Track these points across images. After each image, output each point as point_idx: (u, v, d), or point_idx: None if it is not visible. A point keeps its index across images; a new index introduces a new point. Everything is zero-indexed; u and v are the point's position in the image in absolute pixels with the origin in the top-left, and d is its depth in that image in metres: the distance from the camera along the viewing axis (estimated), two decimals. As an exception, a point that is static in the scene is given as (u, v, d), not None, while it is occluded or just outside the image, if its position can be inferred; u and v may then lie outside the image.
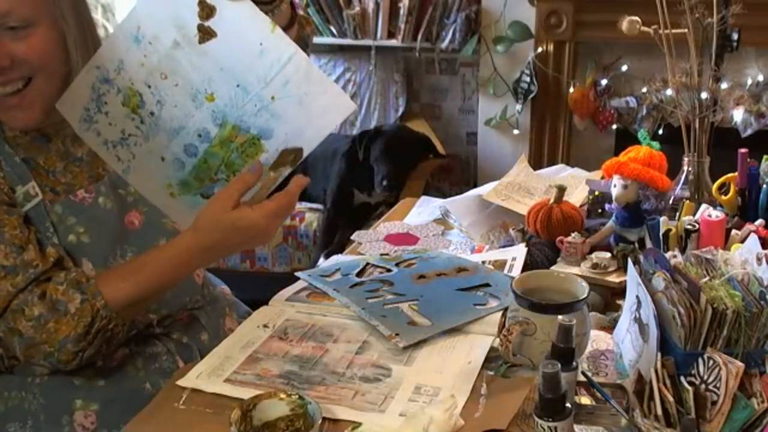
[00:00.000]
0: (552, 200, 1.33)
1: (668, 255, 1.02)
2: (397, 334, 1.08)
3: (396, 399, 0.95)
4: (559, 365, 0.77)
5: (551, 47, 3.25)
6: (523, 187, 1.61)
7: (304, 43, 1.27)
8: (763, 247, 0.97)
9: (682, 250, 1.15)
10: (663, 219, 1.21)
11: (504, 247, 1.41)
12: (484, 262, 1.32)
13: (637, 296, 0.97)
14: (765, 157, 1.35)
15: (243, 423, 0.86)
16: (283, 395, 0.90)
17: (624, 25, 1.42)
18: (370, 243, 1.52)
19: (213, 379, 1.00)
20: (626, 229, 1.26)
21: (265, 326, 1.14)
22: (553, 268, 1.25)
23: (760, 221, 1.22)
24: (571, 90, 3.28)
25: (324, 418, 0.88)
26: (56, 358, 1.03)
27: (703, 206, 1.24)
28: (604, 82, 3.24)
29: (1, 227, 1.04)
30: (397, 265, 1.33)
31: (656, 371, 0.86)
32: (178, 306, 1.24)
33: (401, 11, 3.33)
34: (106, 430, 1.11)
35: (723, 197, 1.32)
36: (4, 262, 1.02)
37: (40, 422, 1.10)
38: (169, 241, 1.08)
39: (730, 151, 1.35)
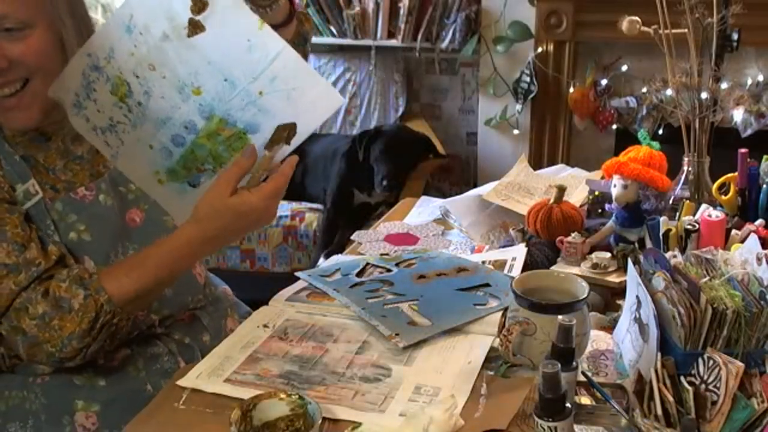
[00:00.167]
0: (552, 200, 1.33)
1: (668, 255, 1.02)
2: (397, 334, 1.08)
3: (396, 399, 0.95)
4: (559, 365, 0.77)
5: (551, 47, 3.25)
6: (523, 187, 1.61)
7: (303, 39, 1.27)
8: (763, 247, 0.97)
9: (682, 250, 1.15)
10: (663, 219, 1.21)
11: (504, 247, 1.41)
12: (484, 262, 1.32)
13: (637, 296, 0.97)
14: (765, 157, 1.35)
15: (243, 423, 0.86)
16: (283, 395, 0.90)
17: (624, 25, 1.42)
18: (370, 243, 1.52)
19: (213, 379, 1.00)
20: (626, 229, 1.26)
21: (265, 326, 1.14)
22: (553, 268, 1.25)
23: (760, 221, 1.22)
24: (571, 90, 3.28)
25: (324, 418, 0.88)
26: (60, 355, 1.03)
27: (703, 206, 1.24)
28: (604, 82, 3.24)
29: (2, 225, 1.04)
30: (397, 265, 1.33)
31: (656, 371, 0.86)
32: (180, 306, 1.24)
33: (401, 11, 3.33)
34: (107, 431, 1.11)
35: (723, 197, 1.32)
36: (6, 261, 1.02)
37: (41, 422, 1.10)
38: (171, 234, 1.08)
39: (730, 151, 1.35)
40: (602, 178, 1.43)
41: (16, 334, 1.03)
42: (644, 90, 3.07)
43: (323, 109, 1.03)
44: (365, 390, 0.97)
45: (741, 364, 0.81)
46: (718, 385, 0.81)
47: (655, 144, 1.33)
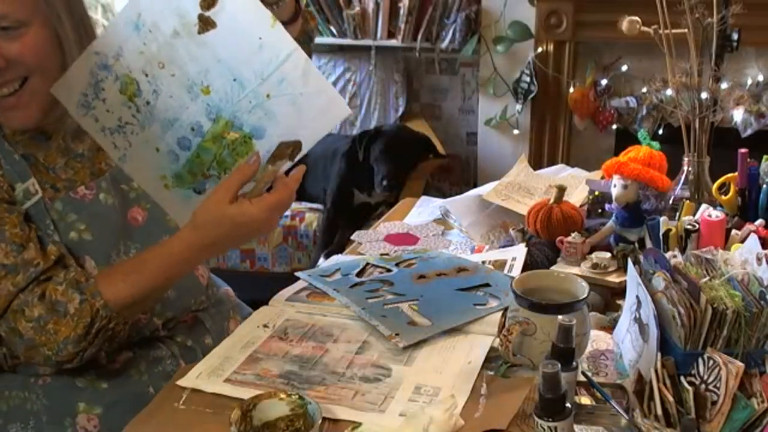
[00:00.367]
0: (552, 200, 1.33)
1: (668, 255, 1.02)
2: (397, 334, 1.08)
3: (396, 399, 0.95)
4: (559, 365, 0.77)
5: (551, 47, 3.25)
6: (523, 187, 1.61)
7: (308, 37, 1.27)
8: (763, 247, 0.97)
9: (682, 250, 1.15)
10: (663, 219, 1.21)
11: (504, 247, 1.41)
12: (484, 262, 1.32)
13: (637, 296, 0.97)
14: (765, 157, 1.35)
15: (243, 423, 0.86)
16: (283, 395, 0.90)
17: (624, 25, 1.42)
18: (370, 243, 1.52)
19: (213, 379, 1.00)
20: (626, 229, 1.26)
21: (265, 326, 1.14)
22: (553, 268, 1.25)
23: (760, 221, 1.22)
24: (571, 90, 3.28)
25: (324, 418, 0.88)
26: (56, 359, 1.03)
27: (703, 206, 1.24)
28: (604, 82, 3.24)
29: (1, 225, 1.03)
30: (397, 265, 1.33)
31: (656, 371, 0.86)
32: (183, 308, 1.24)
33: (401, 11, 3.33)
34: None
35: (723, 197, 1.32)
36: (4, 261, 1.02)
37: (42, 423, 1.10)
38: (168, 239, 1.08)
39: (730, 151, 1.35)
40: (602, 178, 1.43)
41: (14, 335, 1.02)
42: (644, 90, 3.07)
43: (328, 119, 1.00)
44: (365, 390, 0.97)
45: (741, 364, 0.81)
46: (718, 385, 0.81)
47: (655, 144, 1.33)
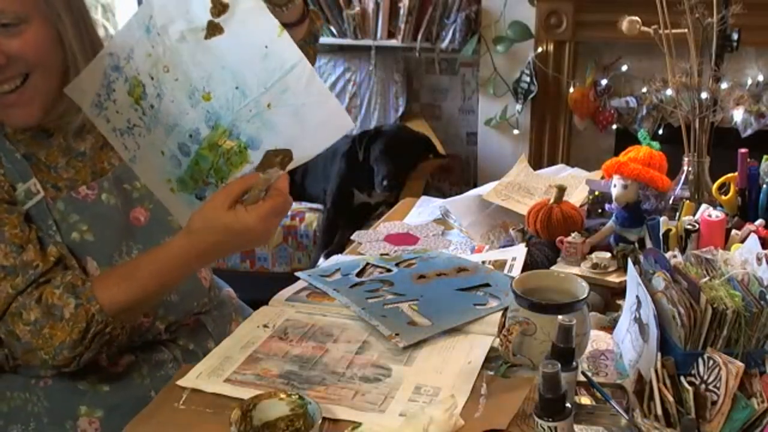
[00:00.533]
0: (552, 200, 1.33)
1: (668, 255, 1.02)
2: (397, 334, 1.08)
3: (396, 399, 0.95)
4: (559, 365, 0.77)
5: (551, 47, 3.26)
6: (523, 187, 1.61)
7: (314, 37, 1.27)
8: (763, 247, 0.97)
9: (682, 250, 1.15)
10: (663, 219, 1.21)
11: (504, 247, 1.41)
12: (484, 262, 1.32)
13: (637, 296, 0.97)
14: (765, 157, 1.35)
15: (243, 423, 0.86)
16: (283, 395, 0.90)
17: (624, 25, 1.42)
18: (370, 243, 1.52)
19: (213, 379, 1.00)
20: (626, 229, 1.26)
21: (265, 326, 1.14)
22: (553, 268, 1.25)
23: (760, 221, 1.22)
24: (571, 90, 3.28)
25: (324, 418, 0.88)
26: (53, 363, 1.03)
27: (703, 206, 1.24)
28: (604, 82, 3.25)
29: (1, 226, 1.03)
30: (397, 265, 1.33)
31: (656, 371, 0.86)
32: (185, 311, 1.23)
33: (401, 11, 3.33)
34: None
35: (723, 197, 1.32)
36: (3, 263, 1.01)
37: (43, 425, 1.10)
38: (163, 244, 1.06)
39: (730, 151, 1.35)
40: (602, 178, 1.43)
41: (13, 338, 1.02)
42: (644, 90, 3.07)
43: (330, 131, 0.96)
44: (365, 390, 0.97)
45: (741, 364, 0.81)
46: (718, 385, 0.81)
47: (655, 144, 1.33)
